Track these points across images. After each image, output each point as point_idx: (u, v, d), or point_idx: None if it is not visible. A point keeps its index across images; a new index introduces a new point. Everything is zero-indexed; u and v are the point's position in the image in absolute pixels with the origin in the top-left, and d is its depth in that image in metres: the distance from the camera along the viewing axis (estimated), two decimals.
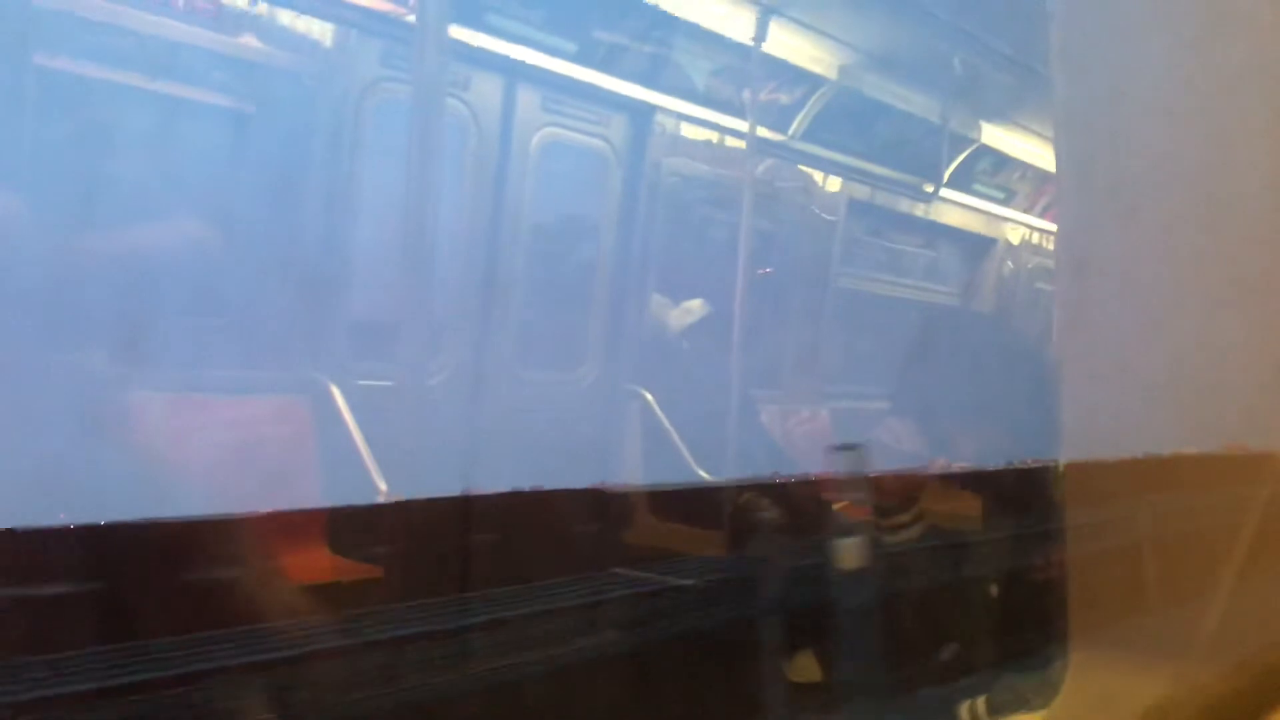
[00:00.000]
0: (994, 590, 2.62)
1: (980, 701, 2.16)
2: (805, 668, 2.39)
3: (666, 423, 3.64)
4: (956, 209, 5.04)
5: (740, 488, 2.71)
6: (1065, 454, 1.65)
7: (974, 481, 2.56)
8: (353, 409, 2.92)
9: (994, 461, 2.52)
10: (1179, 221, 1.26)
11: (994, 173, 5.07)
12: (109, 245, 2.35)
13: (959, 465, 2.56)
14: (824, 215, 4.47)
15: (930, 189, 4.83)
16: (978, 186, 5.06)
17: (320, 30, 3.00)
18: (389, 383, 2.93)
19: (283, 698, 1.21)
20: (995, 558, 2.58)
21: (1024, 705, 2.06)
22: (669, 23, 3.61)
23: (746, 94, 3.92)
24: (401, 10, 3.05)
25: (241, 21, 2.82)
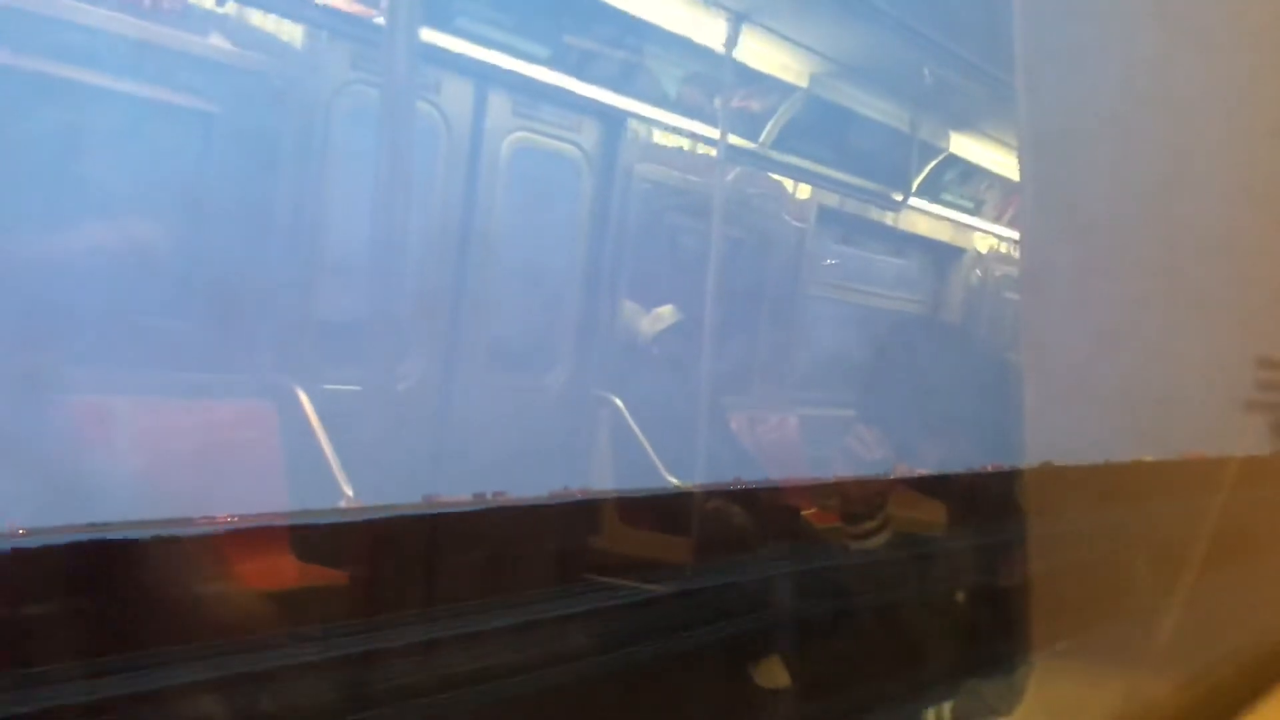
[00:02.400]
0: (959, 596, 2.64)
1: (945, 708, 2.18)
2: (772, 673, 2.39)
3: (636, 429, 3.64)
4: (925, 218, 5.09)
5: (709, 494, 2.71)
6: (1028, 462, 1.67)
7: (939, 488, 2.58)
8: (319, 414, 2.90)
9: (958, 468, 2.54)
10: (1136, 237, 1.28)
11: (962, 182, 5.12)
12: (69, 246, 2.32)
13: (923, 471, 2.58)
14: (794, 223, 4.49)
15: (899, 197, 4.87)
16: (946, 196, 5.11)
17: (289, 31, 2.98)
18: (356, 387, 2.91)
19: (241, 715, 1.19)
20: (961, 564, 2.60)
21: (989, 712, 2.08)
22: (641, 29, 3.62)
23: (718, 101, 3.94)
24: (371, 12, 3.03)
25: (208, 21, 2.80)
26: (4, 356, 2.16)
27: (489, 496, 1.67)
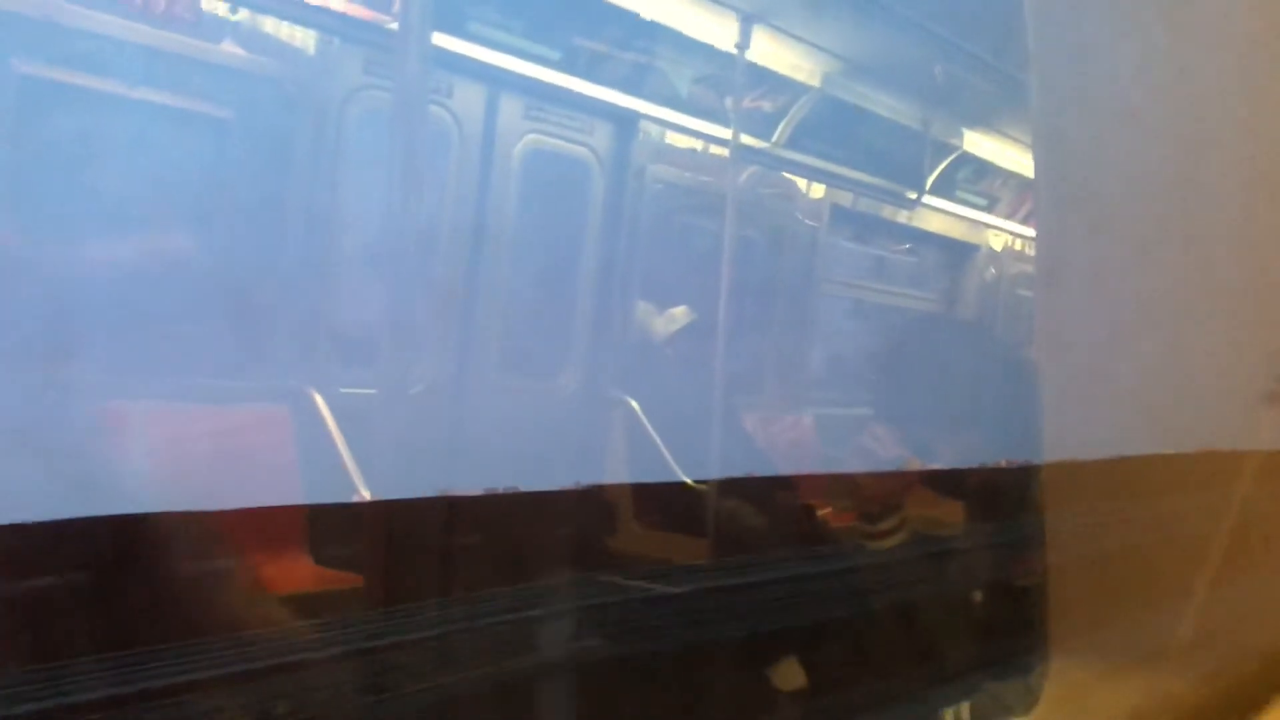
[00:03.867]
0: (976, 595, 2.63)
1: (964, 707, 2.17)
2: (789, 674, 2.39)
3: (651, 430, 3.63)
4: (939, 216, 5.06)
5: (724, 489, 2.71)
6: (1044, 458, 1.66)
7: (954, 485, 2.57)
8: (335, 417, 2.91)
9: (974, 465, 2.53)
10: (1151, 230, 1.27)
11: (976, 180, 5.10)
12: (84, 253, 2.34)
13: (938, 468, 2.57)
14: (807, 222, 4.48)
15: (913, 196, 4.85)
16: (960, 193, 5.09)
17: (302, 37, 3.00)
18: (371, 390, 2.92)
19: (257, 708, 1.19)
20: (977, 561, 2.59)
21: (1006, 711, 2.07)
22: (652, 30, 3.61)
23: (729, 101, 3.93)
24: (384, 18, 3.04)
25: (222, 28, 2.81)
26: (27, 362, 2.18)
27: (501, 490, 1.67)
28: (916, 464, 2.47)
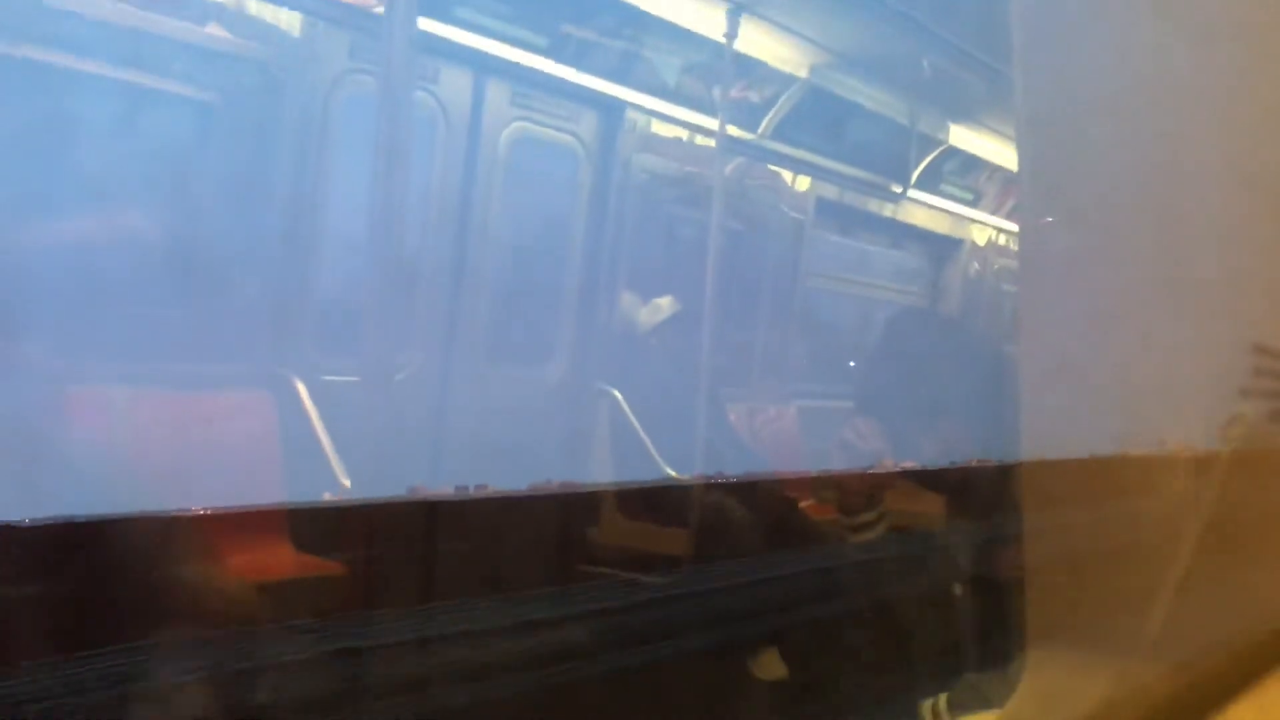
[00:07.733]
0: (955, 589, 2.65)
1: (941, 699, 2.19)
2: (770, 665, 2.40)
3: (635, 421, 3.64)
4: (924, 210, 5.07)
5: (707, 486, 2.71)
6: (1021, 454, 1.67)
7: (933, 481, 2.59)
8: (318, 405, 2.90)
9: (953, 461, 2.54)
10: (1129, 223, 1.28)
11: (961, 174, 5.11)
12: (67, 235, 2.32)
13: (913, 464, 2.58)
14: (792, 214, 4.49)
15: (898, 189, 4.86)
16: (945, 188, 5.10)
17: (288, 21, 2.98)
18: (354, 378, 2.91)
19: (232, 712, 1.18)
20: (953, 558, 2.60)
21: (983, 703, 2.08)
22: (640, 19, 3.61)
23: (717, 92, 3.93)
24: (370, 2, 3.03)
25: (207, 11, 2.79)
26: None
27: (471, 489, 1.67)
28: (889, 462, 2.48)
